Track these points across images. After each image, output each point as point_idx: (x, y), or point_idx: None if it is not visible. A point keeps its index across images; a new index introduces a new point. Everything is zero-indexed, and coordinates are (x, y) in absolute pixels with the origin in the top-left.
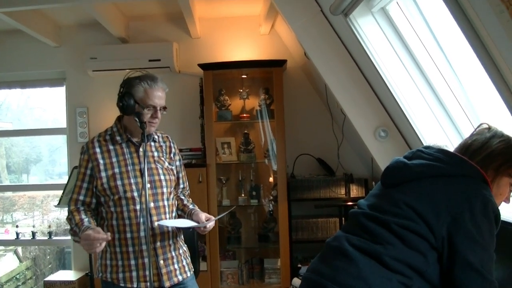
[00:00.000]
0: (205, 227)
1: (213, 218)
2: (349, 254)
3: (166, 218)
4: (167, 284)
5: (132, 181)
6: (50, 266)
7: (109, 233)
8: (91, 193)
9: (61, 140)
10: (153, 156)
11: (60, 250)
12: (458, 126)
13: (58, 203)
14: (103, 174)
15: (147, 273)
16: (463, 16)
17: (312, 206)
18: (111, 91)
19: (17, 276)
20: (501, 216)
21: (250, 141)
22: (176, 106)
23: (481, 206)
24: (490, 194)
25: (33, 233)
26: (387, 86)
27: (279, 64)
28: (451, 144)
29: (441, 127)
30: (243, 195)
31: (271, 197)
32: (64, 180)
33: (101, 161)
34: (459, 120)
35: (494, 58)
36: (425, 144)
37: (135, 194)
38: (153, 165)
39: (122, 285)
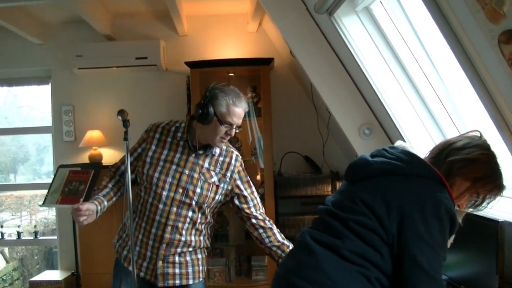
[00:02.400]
0: None
1: None
2: (310, 248)
3: (183, 228)
4: (160, 284)
5: (168, 179)
6: (37, 266)
7: (85, 218)
8: (133, 168)
9: (48, 139)
10: (202, 166)
11: (47, 250)
12: (440, 124)
13: (43, 203)
14: (148, 159)
15: (144, 264)
16: (441, 15)
17: (299, 204)
18: (97, 89)
19: (4, 277)
20: (457, 218)
21: (237, 139)
22: (163, 104)
23: (433, 207)
24: (445, 196)
25: (18, 233)
26: (371, 85)
27: (266, 62)
28: (433, 142)
29: (423, 125)
30: None
31: (259, 195)
32: (51, 179)
33: (153, 147)
34: (441, 118)
35: (471, 56)
36: (407, 142)
37: (164, 193)
38: (196, 175)
39: (122, 261)
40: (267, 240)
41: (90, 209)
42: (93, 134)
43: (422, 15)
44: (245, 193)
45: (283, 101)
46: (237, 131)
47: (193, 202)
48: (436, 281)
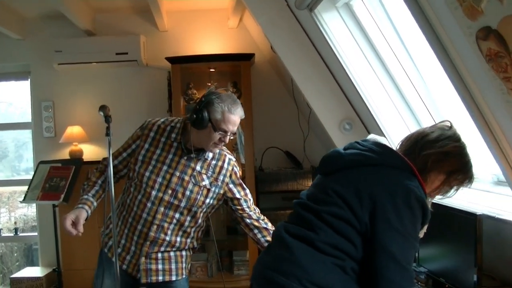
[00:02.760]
0: None
1: None
2: (285, 242)
3: (168, 228)
4: (143, 280)
5: (158, 179)
6: (17, 263)
7: (79, 231)
8: (126, 163)
9: (28, 135)
10: (193, 169)
11: (27, 247)
12: (419, 119)
13: (24, 199)
14: (140, 157)
15: (127, 257)
16: (420, 11)
17: (280, 199)
18: (77, 84)
19: None
20: (428, 208)
21: None
22: (143, 100)
23: (404, 196)
24: (416, 185)
25: None
26: (351, 80)
27: (247, 58)
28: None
29: (402, 120)
30: None
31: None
32: (30, 175)
33: (146, 145)
34: (419, 113)
35: (450, 52)
36: (387, 137)
37: (154, 192)
38: (186, 177)
39: (105, 251)
40: (263, 240)
41: (78, 219)
42: (74, 130)
43: (402, 11)
44: (238, 195)
45: (264, 97)
46: (231, 137)
47: (182, 204)
48: (406, 271)
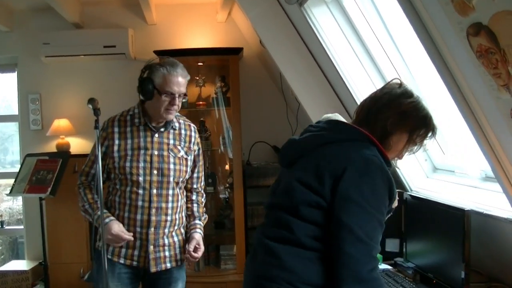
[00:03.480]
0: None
1: (202, 249)
2: (268, 247)
3: (167, 207)
4: (153, 269)
5: (140, 165)
6: (2, 256)
7: (131, 234)
8: (101, 168)
9: (14, 128)
10: (168, 144)
11: (12, 240)
12: None
13: (10, 192)
14: (115, 154)
15: (135, 253)
16: (411, 6)
17: (267, 193)
18: (65, 77)
19: None
20: (391, 176)
21: (206, 128)
22: (131, 93)
23: (362, 166)
24: (374, 153)
25: None
26: (340, 75)
27: (235, 52)
28: None
29: None
30: None
31: (227, 185)
32: (16, 168)
33: (116, 141)
34: None
35: (440, 48)
36: None
37: (141, 178)
38: (165, 153)
39: (109, 257)
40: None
41: (122, 228)
42: (61, 123)
43: (392, 7)
44: (200, 163)
45: (252, 91)
46: (183, 100)
47: (171, 179)
48: (365, 244)
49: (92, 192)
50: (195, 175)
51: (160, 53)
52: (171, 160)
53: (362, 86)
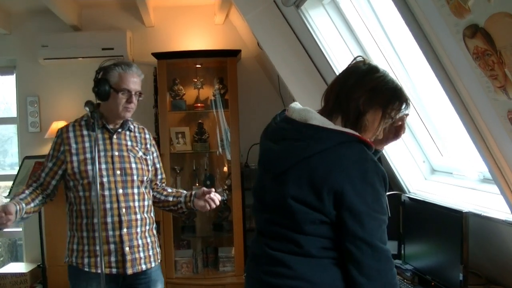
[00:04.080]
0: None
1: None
2: (277, 257)
3: (135, 206)
4: (129, 271)
5: (102, 166)
6: (1, 259)
7: (11, 217)
8: (53, 174)
9: (12, 130)
10: (126, 145)
11: (12, 243)
12: None
13: (9, 194)
14: (74, 158)
15: (112, 259)
16: (407, 8)
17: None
18: (63, 79)
19: None
20: (385, 173)
21: (204, 130)
22: None
23: (360, 173)
24: (365, 155)
25: None
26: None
27: (233, 54)
28: None
29: None
30: (197, 184)
31: (225, 186)
32: (15, 171)
33: (73, 145)
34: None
35: (437, 50)
36: None
37: (105, 179)
38: (125, 153)
39: (86, 269)
40: (163, 198)
41: (10, 211)
42: (59, 125)
43: (388, 9)
44: (158, 165)
45: (250, 93)
46: (140, 98)
47: (134, 178)
48: (379, 250)
49: (28, 188)
50: (159, 176)
51: (158, 55)
52: (132, 159)
53: None
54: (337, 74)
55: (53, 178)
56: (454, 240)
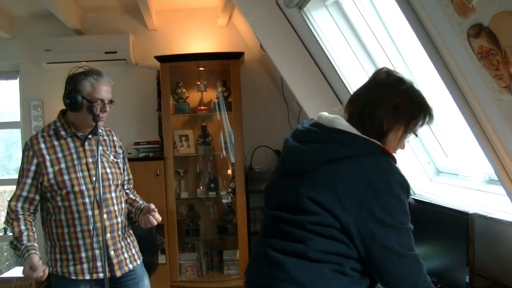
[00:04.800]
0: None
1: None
2: (276, 260)
3: (115, 210)
4: (118, 273)
5: (79, 175)
6: (7, 263)
7: (46, 272)
8: (35, 189)
9: (17, 135)
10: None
11: None
12: None
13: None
14: (49, 170)
15: (98, 264)
16: (410, 8)
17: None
18: None
19: None
20: (409, 184)
21: (208, 133)
22: (133, 99)
23: (385, 185)
24: (391, 167)
25: None
26: (341, 78)
27: (236, 56)
28: None
29: None
30: (201, 187)
31: (229, 189)
32: None
33: (47, 157)
34: None
35: (441, 50)
36: None
37: (83, 187)
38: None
39: (73, 277)
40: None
41: (36, 266)
42: None
43: (392, 9)
44: (127, 165)
45: (254, 95)
46: (111, 105)
47: (111, 183)
48: (409, 257)
49: (20, 224)
50: (125, 177)
51: (161, 58)
52: (106, 164)
53: None
54: (341, 75)
55: (36, 193)
56: (460, 242)
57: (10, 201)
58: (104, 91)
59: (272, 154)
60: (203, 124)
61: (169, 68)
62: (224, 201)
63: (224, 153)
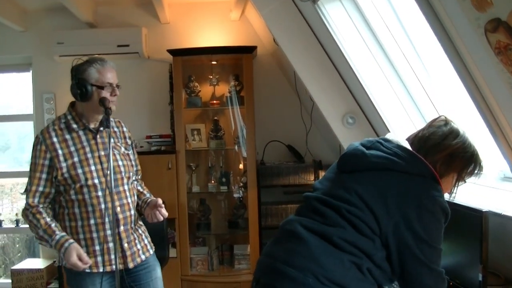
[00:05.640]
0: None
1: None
2: (300, 236)
3: (128, 203)
4: (131, 265)
5: (92, 168)
6: (19, 254)
7: (89, 262)
8: (50, 184)
9: (30, 127)
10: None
11: (29, 238)
12: (423, 113)
13: (25, 191)
14: (63, 164)
15: (112, 256)
16: (427, 3)
17: (281, 193)
18: None
19: None
20: (450, 213)
21: (220, 127)
22: (145, 92)
23: (430, 206)
24: (439, 194)
25: (0, 221)
26: (355, 73)
27: (249, 50)
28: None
29: (407, 115)
30: (213, 181)
31: (241, 184)
32: None
33: (59, 151)
34: (425, 108)
35: (457, 45)
36: (391, 131)
37: (96, 181)
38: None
39: (87, 270)
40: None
41: (80, 253)
42: None
43: (407, 3)
44: (135, 156)
45: (266, 90)
46: (119, 89)
47: (123, 175)
48: (437, 272)
49: (43, 217)
50: (134, 168)
51: (173, 52)
52: (118, 157)
53: (377, 85)
54: (355, 70)
55: (51, 187)
56: (473, 239)
57: (27, 198)
58: (111, 75)
59: (284, 149)
60: (215, 118)
61: (182, 62)
62: (235, 195)
63: (236, 147)
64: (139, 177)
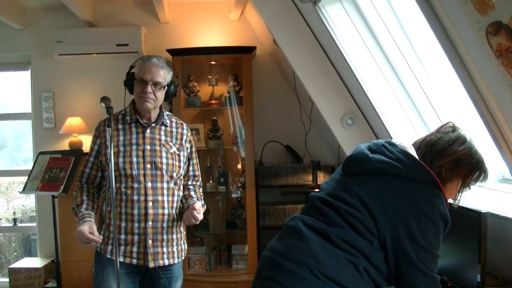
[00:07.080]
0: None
1: (201, 216)
2: (301, 232)
3: (163, 200)
4: (151, 264)
5: (133, 160)
6: (15, 253)
7: (101, 237)
8: (96, 167)
9: (27, 126)
10: (159, 139)
11: (25, 237)
12: (423, 116)
13: (23, 189)
14: (108, 150)
15: (134, 249)
16: (428, 5)
17: (279, 193)
18: (78, 75)
19: None
20: (450, 220)
21: (218, 127)
22: None
23: (429, 212)
24: (441, 201)
25: None
26: (354, 74)
27: (248, 50)
28: (416, 133)
29: (406, 116)
30: (211, 181)
31: (239, 184)
32: (29, 166)
33: (108, 138)
34: (424, 110)
35: (458, 48)
36: (390, 133)
37: (134, 172)
38: (157, 148)
39: (108, 256)
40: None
41: (93, 229)
42: (73, 121)
43: (408, 5)
44: (194, 161)
45: (265, 90)
46: (161, 89)
47: (164, 173)
48: (431, 278)
49: (83, 193)
50: (190, 173)
51: (173, 51)
52: (164, 154)
53: (376, 86)
54: (354, 71)
55: (97, 170)
56: (472, 240)
57: (79, 177)
58: (148, 71)
59: (283, 149)
60: (214, 118)
61: (181, 62)
62: (233, 195)
63: (235, 147)
64: (197, 183)
